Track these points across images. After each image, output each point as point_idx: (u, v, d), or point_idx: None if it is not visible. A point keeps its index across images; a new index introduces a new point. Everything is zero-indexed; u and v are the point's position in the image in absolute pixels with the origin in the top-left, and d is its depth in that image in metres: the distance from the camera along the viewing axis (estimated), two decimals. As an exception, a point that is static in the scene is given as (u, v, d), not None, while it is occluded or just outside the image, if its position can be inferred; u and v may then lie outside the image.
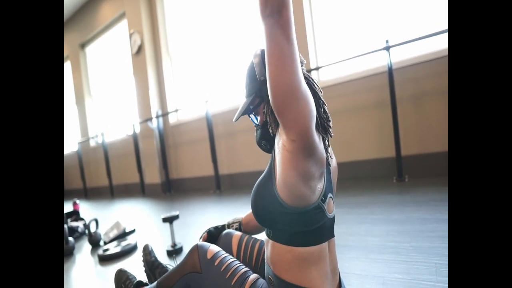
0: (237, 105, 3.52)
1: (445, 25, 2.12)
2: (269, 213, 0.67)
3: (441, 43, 2.26)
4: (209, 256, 0.76)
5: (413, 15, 2.45)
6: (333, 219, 0.71)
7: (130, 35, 4.48)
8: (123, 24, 4.90)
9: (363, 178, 2.62)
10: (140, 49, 4.39)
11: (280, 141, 0.63)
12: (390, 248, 1.18)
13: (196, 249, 0.79)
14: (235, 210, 2.30)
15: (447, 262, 0.99)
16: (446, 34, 2.04)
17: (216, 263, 0.75)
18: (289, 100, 0.56)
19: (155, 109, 4.31)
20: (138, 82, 4.48)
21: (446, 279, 0.89)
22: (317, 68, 2.70)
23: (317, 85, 0.72)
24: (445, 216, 1.41)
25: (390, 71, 2.29)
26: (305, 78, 0.68)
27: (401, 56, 2.46)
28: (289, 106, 0.56)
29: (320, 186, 0.65)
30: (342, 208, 1.81)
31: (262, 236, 1.01)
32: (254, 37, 3.39)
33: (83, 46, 5.96)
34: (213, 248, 0.79)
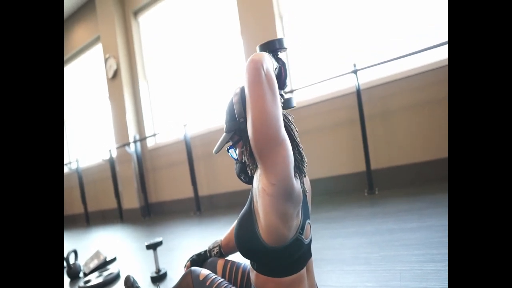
0: (215, 127, 3.60)
1: (406, 48, 2.39)
2: (252, 250, 0.73)
3: (404, 65, 2.51)
4: (201, 278, 0.84)
5: (378, 38, 2.71)
6: (310, 243, 0.79)
7: (106, 60, 4.48)
8: (98, 48, 4.88)
9: (337, 193, 2.76)
10: (116, 74, 4.39)
11: (260, 185, 0.66)
12: (361, 259, 1.29)
13: (189, 272, 0.87)
14: (217, 232, 2.34)
15: (410, 268, 1.11)
16: (408, 57, 2.30)
17: (207, 283, 0.82)
18: (270, 146, 0.60)
19: (132, 133, 4.29)
20: (115, 107, 4.46)
21: (409, 283, 1.01)
22: (291, 91, 2.87)
23: (293, 124, 0.76)
24: (410, 225, 1.55)
25: (358, 92, 2.49)
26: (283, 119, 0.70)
27: (368, 77, 2.68)
28: (269, 152, 0.60)
29: (297, 222, 0.70)
30: (318, 224, 1.92)
31: (244, 259, 1.09)
32: (230, 60, 3.54)
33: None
34: (204, 271, 0.87)
